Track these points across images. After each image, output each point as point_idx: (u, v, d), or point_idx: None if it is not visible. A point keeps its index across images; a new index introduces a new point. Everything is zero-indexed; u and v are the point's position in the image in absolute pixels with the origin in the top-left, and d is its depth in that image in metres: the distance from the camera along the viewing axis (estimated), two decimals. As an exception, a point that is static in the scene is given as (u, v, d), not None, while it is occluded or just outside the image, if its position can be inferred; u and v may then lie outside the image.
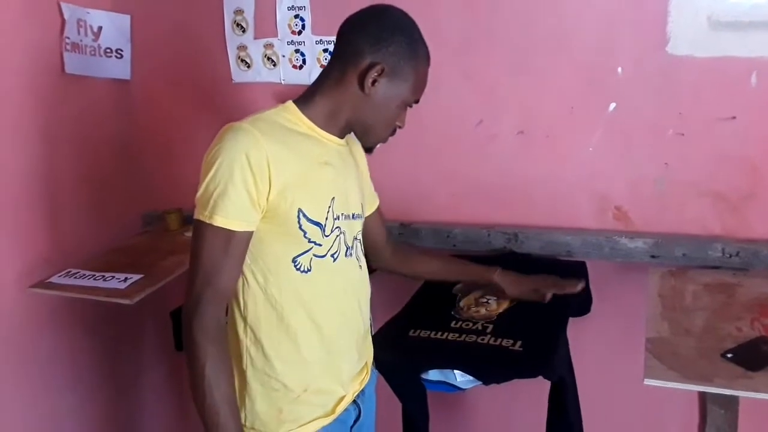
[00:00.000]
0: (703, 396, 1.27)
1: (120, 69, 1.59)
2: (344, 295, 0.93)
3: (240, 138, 0.81)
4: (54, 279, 1.33)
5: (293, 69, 1.49)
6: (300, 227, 0.85)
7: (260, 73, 1.52)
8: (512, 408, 1.49)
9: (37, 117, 1.39)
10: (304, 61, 1.48)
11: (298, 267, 0.87)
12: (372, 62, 0.87)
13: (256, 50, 1.51)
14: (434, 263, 1.17)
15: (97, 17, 1.51)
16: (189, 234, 1.51)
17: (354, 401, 0.96)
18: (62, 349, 1.48)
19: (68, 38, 1.43)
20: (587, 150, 1.32)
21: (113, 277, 1.30)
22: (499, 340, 1.05)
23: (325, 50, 1.45)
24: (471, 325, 1.10)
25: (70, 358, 1.51)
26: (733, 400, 1.14)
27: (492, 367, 1.01)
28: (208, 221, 0.81)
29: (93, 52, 1.51)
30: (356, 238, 0.96)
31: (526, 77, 1.32)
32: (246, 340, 0.89)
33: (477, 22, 1.33)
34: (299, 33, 1.47)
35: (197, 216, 0.83)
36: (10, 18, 1.31)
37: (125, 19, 1.58)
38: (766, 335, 0.96)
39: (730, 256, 1.21)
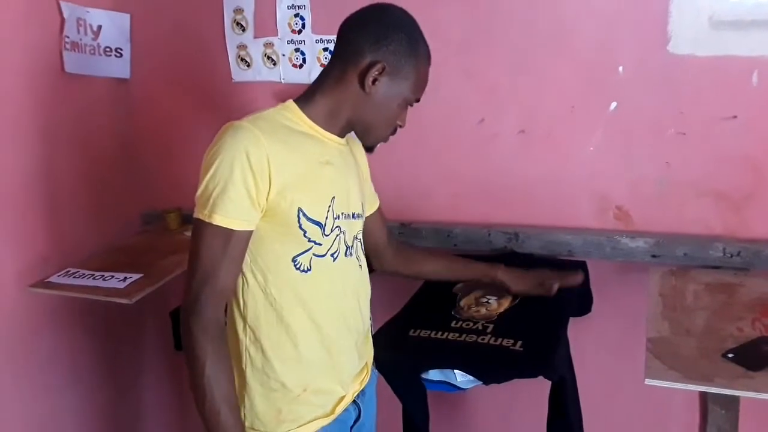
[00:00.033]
0: (703, 396, 1.27)
1: (119, 68, 1.59)
2: (344, 295, 0.93)
3: (240, 136, 0.81)
4: (53, 278, 1.33)
5: (293, 68, 1.49)
6: (300, 226, 0.85)
7: (260, 72, 1.52)
8: (512, 408, 1.49)
9: (36, 116, 1.39)
10: (304, 60, 1.47)
11: (297, 266, 0.86)
12: (372, 61, 0.87)
13: (255, 49, 1.51)
14: (437, 263, 1.17)
15: (96, 16, 1.50)
16: (188, 233, 1.51)
17: (354, 401, 0.96)
18: (61, 349, 1.48)
19: (68, 37, 1.43)
20: (588, 149, 1.31)
21: (112, 276, 1.29)
22: (500, 339, 1.05)
23: (325, 49, 1.45)
24: (471, 324, 1.10)
25: (70, 357, 1.50)
26: (734, 400, 1.14)
27: (492, 367, 1.01)
28: (207, 220, 0.81)
29: (92, 51, 1.51)
30: (356, 238, 0.95)
31: (526, 76, 1.32)
32: (245, 340, 0.88)
33: (478, 21, 1.33)
34: (299, 32, 1.46)
35: (197, 215, 0.83)
36: (9, 17, 1.31)
37: (125, 18, 1.57)
38: (767, 335, 0.96)
39: (731, 255, 1.21)
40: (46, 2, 1.39)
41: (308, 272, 0.87)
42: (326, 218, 0.88)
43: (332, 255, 0.90)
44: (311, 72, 1.47)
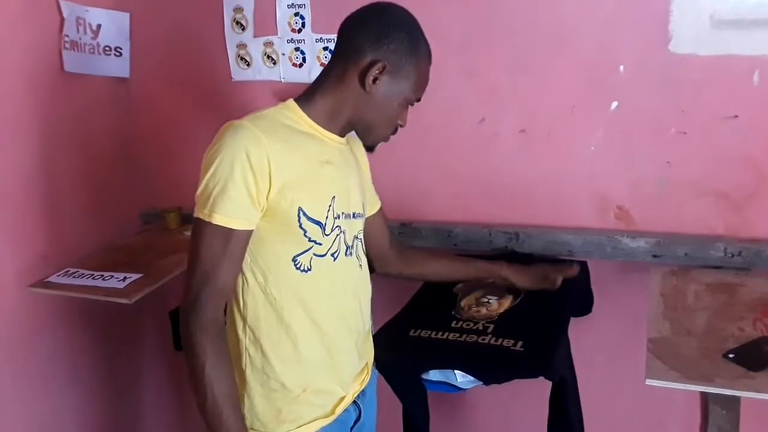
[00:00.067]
0: (704, 396, 1.27)
1: (119, 67, 1.58)
2: (344, 295, 0.92)
3: (240, 136, 0.81)
4: (53, 278, 1.33)
5: (293, 67, 1.49)
6: (300, 226, 0.85)
7: (260, 72, 1.51)
8: (513, 408, 1.49)
9: (35, 115, 1.38)
10: (304, 60, 1.47)
11: (298, 266, 0.86)
12: (373, 60, 0.86)
13: (255, 48, 1.50)
14: (440, 263, 1.17)
15: (96, 15, 1.50)
16: (188, 233, 1.50)
17: (354, 402, 0.96)
18: (61, 349, 1.48)
19: (67, 36, 1.42)
20: (589, 149, 1.31)
21: (112, 276, 1.29)
22: (500, 340, 1.04)
23: (326, 48, 1.44)
24: (472, 325, 1.10)
25: (69, 357, 1.50)
26: (735, 401, 1.13)
27: (493, 367, 1.01)
28: (207, 219, 0.81)
29: (92, 51, 1.51)
30: (357, 237, 0.95)
31: (527, 76, 1.32)
32: (245, 340, 0.88)
33: (478, 21, 1.32)
34: (299, 31, 1.46)
35: (197, 214, 0.82)
36: (9, 16, 1.31)
37: (124, 17, 1.57)
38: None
39: (733, 255, 1.20)
40: (46, 1, 1.39)
41: (308, 272, 0.87)
42: (326, 218, 0.88)
43: (332, 255, 0.89)
44: (311, 71, 1.46)
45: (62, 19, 1.41)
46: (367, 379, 1.00)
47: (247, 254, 0.85)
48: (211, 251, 0.81)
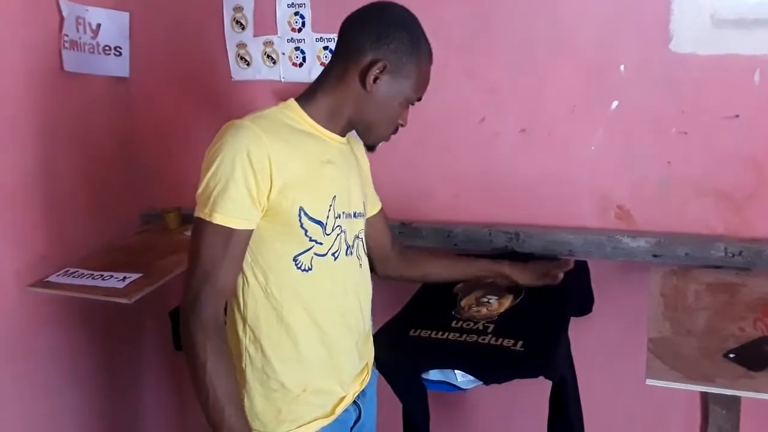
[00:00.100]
0: (705, 396, 1.27)
1: (119, 67, 1.58)
2: (345, 295, 0.92)
3: (241, 135, 0.81)
4: (52, 278, 1.33)
5: (293, 67, 1.48)
6: (301, 225, 0.85)
7: (260, 71, 1.51)
8: (513, 408, 1.49)
9: (35, 115, 1.38)
10: (304, 59, 1.47)
11: (299, 266, 0.86)
12: (374, 59, 0.86)
13: (255, 48, 1.50)
14: (442, 263, 1.18)
15: (95, 15, 1.50)
16: (188, 233, 1.50)
17: (354, 402, 0.96)
18: (61, 349, 1.48)
19: (67, 36, 1.42)
20: (589, 148, 1.31)
21: (112, 276, 1.29)
22: (500, 339, 1.04)
23: (326, 48, 1.44)
24: (472, 324, 1.10)
25: (69, 357, 1.50)
26: (735, 401, 1.13)
27: (493, 367, 1.01)
28: (208, 219, 0.80)
29: (92, 50, 1.50)
30: (357, 237, 0.95)
31: (528, 75, 1.31)
32: (245, 340, 0.88)
33: (479, 20, 1.32)
34: (299, 30, 1.46)
35: (197, 213, 0.82)
36: (8, 16, 1.31)
37: (124, 17, 1.57)
38: (769, 335, 0.96)
39: (733, 255, 1.20)
40: (45, 1, 1.39)
41: (309, 271, 0.87)
42: (327, 217, 0.88)
43: (333, 254, 0.89)
44: (311, 71, 1.46)
45: (62, 19, 1.41)
46: (368, 379, 0.99)
47: (247, 254, 0.85)
48: (211, 251, 0.80)
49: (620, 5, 1.23)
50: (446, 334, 1.08)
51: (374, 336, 1.05)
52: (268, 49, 1.49)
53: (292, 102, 0.90)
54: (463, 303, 1.17)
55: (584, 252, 1.30)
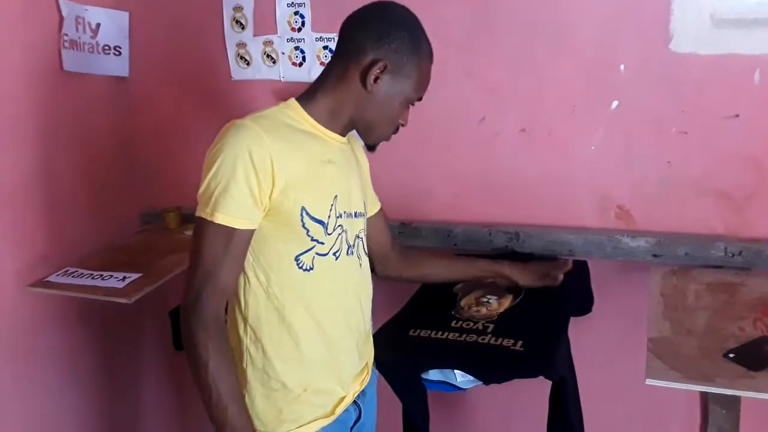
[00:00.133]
0: (704, 396, 1.27)
1: (118, 66, 1.58)
2: (346, 294, 0.92)
3: (243, 135, 0.81)
4: (52, 278, 1.33)
5: (293, 66, 1.48)
6: (303, 225, 0.85)
7: (260, 71, 1.51)
8: (513, 408, 1.49)
9: (35, 114, 1.38)
10: (303, 59, 1.47)
11: (300, 265, 0.86)
12: (374, 59, 0.86)
13: (255, 47, 1.50)
14: (442, 263, 1.17)
15: (95, 14, 1.50)
16: (188, 233, 1.50)
17: (354, 402, 0.96)
18: (61, 349, 1.48)
19: (66, 35, 1.42)
20: (589, 148, 1.31)
21: (111, 276, 1.29)
22: (500, 339, 1.04)
23: (325, 47, 1.44)
24: (471, 324, 1.10)
25: (69, 357, 1.50)
26: (735, 400, 1.13)
27: (493, 367, 1.01)
28: (209, 218, 0.80)
29: (91, 50, 1.50)
30: (358, 237, 0.95)
31: (528, 75, 1.31)
32: (246, 340, 0.88)
33: (479, 21, 1.32)
34: (299, 30, 1.46)
35: (199, 213, 0.82)
36: (8, 15, 1.31)
37: (124, 16, 1.57)
38: (768, 335, 0.96)
39: (733, 255, 1.20)
40: (45, 0, 1.38)
41: (311, 271, 0.87)
42: (329, 217, 0.88)
43: (335, 254, 0.89)
44: (311, 70, 1.46)
45: (61, 18, 1.41)
46: (368, 379, 0.99)
47: (248, 254, 0.85)
48: (212, 250, 0.80)
49: (620, 5, 1.23)
50: (446, 334, 1.08)
51: (374, 336, 1.05)
52: (268, 49, 1.49)
53: (292, 102, 0.90)
54: (462, 303, 1.17)
55: (584, 252, 1.30)
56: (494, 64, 1.33)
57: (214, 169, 0.80)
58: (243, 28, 1.50)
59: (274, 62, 1.50)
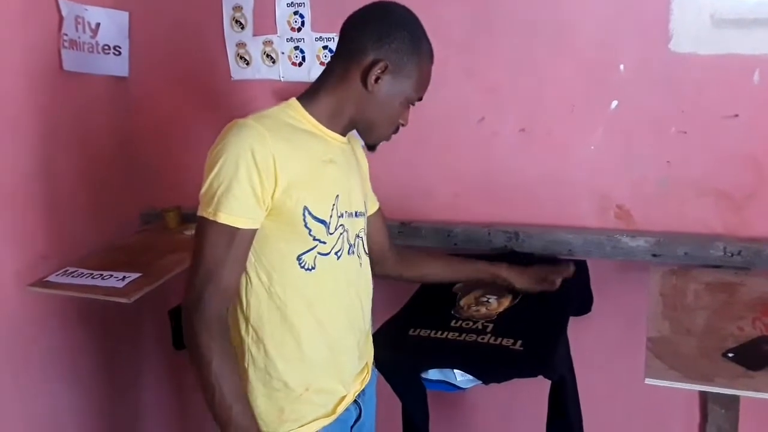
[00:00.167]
0: (704, 395, 1.27)
1: (118, 66, 1.58)
2: (347, 294, 0.93)
3: (245, 134, 0.81)
4: (52, 278, 1.33)
5: (292, 66, 1.48)
6: (305, 225, 0.85)
7: (259, 71, 1.51)
8: (512, 407, 1.49)
9: (35, 114, 1.38)
10: (303, 59, 1.47)
11: (302, 265, 0.86)
12: (375, 59, 0.86)
13: (255, 47, 1.50)
14: (439, 264, 1.17)
15: (95, 14, 1.50)
16: (188, 232, 1.51)
17: (355, 401, 0.96)
18: (61, 348, 1.48)
19: (66, 35, 1.42)
20: (589, 148, 1.31)
21: (111, 275, 1.29)
22: (500, 339, 1.04)
23: (325, 47, 1.44)
24: (471, 324, 1.10)
25: (69, 357, 1.50)
26: (734, 400, 1.14)
27: (492, 367, 1.01)
28: (212, 218, 0.80)
29: (91, 49, 1.50)
30: (358, 236, 0.95)
31: (527, 75, 1.31)
32: (248, 339, 0.88)
33: (478, 21, 1.32)
34: (298, 30, 1.46)
35: (201, 213, 0.82)
36: (8, 15, 1.30)
37: (124, 16, 1.57)
38: (767, 334, 0.96)
39: (732, 255, 1.20)
40: (45, 0, 1.38)
41: (312, 271, 0.87)
42: (331, 216, 0.88)
43: (336, 253, 0.89)
44: (311, 70, 1.46)
45: (61, 18, 1.41)
46: (368, 379, 1.00)
47: (250, 254, 0.85)
48: (215, 250, 0.80)
49: (620, 5, 1.23)
50: (445, 333, 1.08)
51: (374, 335, 1.05)
52: (268, 49, 1.49)
53: (293, 101, 0.90)
54: (462, 302, 1.17)
55: (584, 251, 1.30)
56: (494, 64, 1.33)
57: (216, 168, 0.80)
58: (243, 28, 1.50)
59: (273, 62, 1.50)
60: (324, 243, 0.87)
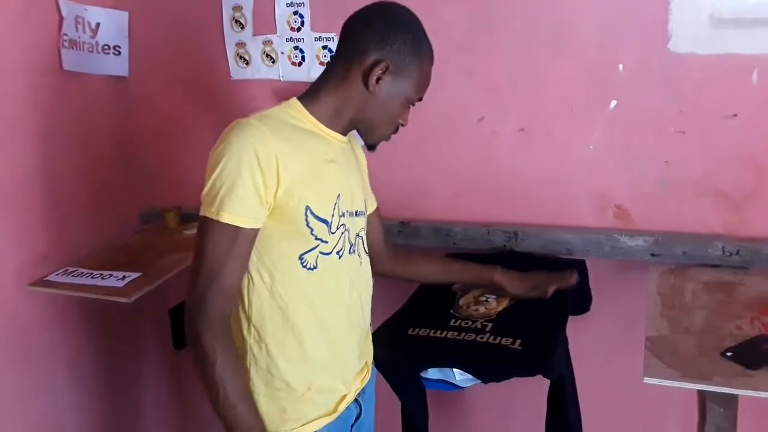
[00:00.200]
0: (702, 394, 1.27)
1: (118, 66, 1.58)
2: (349, 293, 0.93)
3: (247, 134, 0.81)
4: (52, 277, 1.33)
5: (292, 66, 1.49)
6: (307, 224, 0.85)
7: (259, 70, 1.51)
8: (511, 406, 1.49)
9: (35, 114, 1.38)
10: (303, 58, 1.47)
11: (304, 264, 0.86)
12: (377, 60, 0.87)
13: (254, 47, 1.50)
14: (434, 265, 1.17)
15: (95, 14, 1.50)
16: (188, 232, 1.52)
17: (355, 399, 0.96)
18: (61, 348, 1.48)
19: (66, 35, 1.42)
20: (588, 148, 1.31)
21: (111, 275, 1.29)
22: (499, 338, 1.05)
23: (325, 47, 1.44)
24: (470, 323, 1.10)
25: (69, 356, 1.50)
26: (733, 399, 1.14)
27: (491, 366, 1.01)
28: (215, 218, 0.80)
29: (91, 49, 1.50)
30: (359, 235, 0.96)
31: (527, 74, 1.32)
32: (249, 339, 0.88)
33: (478, 20, 1.32)
34: (298, 30, 1.46)
35: (203, 212, 0.82)
36: (8, 15, 1.31)
37: (123, 16, 1.57)
38: (765, 334, 0.96)
39: (731, 254, 1.21)
40: (45, 0, 1.39)
41: (314, 270, 0.87)
42: (332, 216, 0.88)
43: (338, 253, 0.90)
44: (310, 70, 1.46)
45: (61, 18, 1.41)
46: (368, 377, 1.00)
47: (253, 253, 0.85)
48: (217, 249, 0.80)
49: (619, 5, 1.23)
50: (445, 332, 1.08)
51: (373, 335, 1.05)
52: (267, 49, 1.49)
53: (294, 101, 0.90)
54: (461, 302, 1.18)
55: (582, 251, 1.30)
56: (494, 64, 1.33)
57: (219, 168, 0.80)
58: (242, 28, 1.50)
59: (273, 62, 1.50)
60: (326, 242, 0.87)
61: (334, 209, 0.88)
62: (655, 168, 1.27)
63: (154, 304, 1.55)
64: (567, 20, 1.27)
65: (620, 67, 1.25)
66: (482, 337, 1.06)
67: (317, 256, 0.87)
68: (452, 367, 1.02)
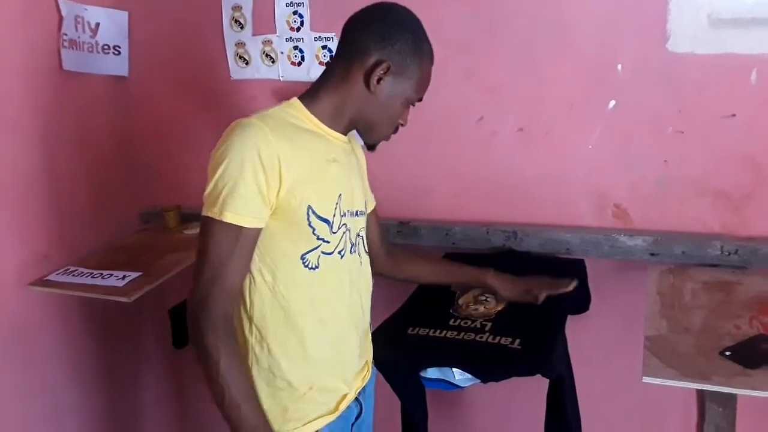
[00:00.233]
0: (701, 394, 1.27)
1: (118, 66, 1.58)
2: (350, 292, 0.93)
3: (250, 134, 0.81)
4: (52, 277, 1.33)
5: (292, 66, 1.49)
6: (309, 224, 0.85)
7: (259, 70, 1.52)
8: (511, 406, 1.50)
9: (34, 114, 1.38)
10: (302, 58, 1.47)
11: (306, 264, 0.86)
12: (378, 60, 0.87)
13: (254, 47, 1.51)
14: (428, 266, 1.17)
15: (94, 14, 1.50)
16: (188, 232, 1.52)
17: (356, 398, 0.97)
18: (61, 348, 1.48)
19: (66, 35, 1.42)
20: (587, 147, 1.31)
21: (111, 275, 1.29)
22: (498, 338, 1.05)
23: (324, 47, 1.44)
24: (470, 323, 1.10)
25: (69, 356, 1.50)
26: (732, 398, 1.14)
27: (490, 365, 1.01)
28: (217, 218, 0.80)
29: (91, 49, 1.50)
30: (359, 235, 0.96)
31: (526, 74, 1.32)
32: (251, 339, 0.88)
33: (478, 20, 1.32)
34: (298, 30, 1.46)
35: (206, 213, 0.82)
36: (8, 15, 1.31)
37: (123, 16, 1.57)
38: (764, 333, 0.97)
39: (729, 254, 1.21)
40: (45, 0, 1.39)
41: (316, 269, 0.87)
42: (334, 216, 0.88)
43: (339, 252, 0.90)
44: (310, 70, 1.47)
45: (61, 18, 1.41)
46: (368, 376, 1.00)
47: (255, 253, 0.85)
48: (220, 249, 0.80)
49: (619, 5, 1.24)
50: (444, 332, 1.08)
51: (373, 334, 1.05)
52: (267, 48, 1.50)
53: (295, 101, 0.91)
54: (461, 301, 1.18)
55: (581, 251, 1.30)
56: (494, 64, 1.34)
57: (221, 168, 0.80)
58: (242, 28, 1.51)
59: (273, 62, 1.50)
60: (327, 242, 0.88)
61: (335, 209, 0.88)
62: (654, 168, 1.28)
63: (154, 303, 1.55)
64: (567, 20, 1.27)
65: (619, 67, 1.26)
66: (481, 337, 1.06)
67: (319, 255, 0.87)
68: (452, 366, 1.02)
